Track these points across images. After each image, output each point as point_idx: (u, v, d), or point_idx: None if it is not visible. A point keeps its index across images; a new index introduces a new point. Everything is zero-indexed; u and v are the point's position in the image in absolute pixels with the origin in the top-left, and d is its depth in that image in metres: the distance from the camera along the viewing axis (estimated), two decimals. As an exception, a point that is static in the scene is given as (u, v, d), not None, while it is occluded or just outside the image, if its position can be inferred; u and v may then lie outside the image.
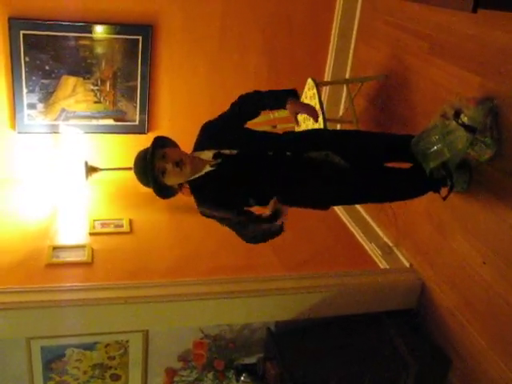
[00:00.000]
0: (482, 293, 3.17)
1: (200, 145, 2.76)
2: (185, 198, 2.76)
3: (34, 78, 4.17)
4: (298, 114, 2.80)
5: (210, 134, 2.78)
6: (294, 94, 2.82)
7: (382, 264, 3.98)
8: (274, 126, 4.15)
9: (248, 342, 3.73)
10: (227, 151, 2.67)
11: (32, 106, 4.29)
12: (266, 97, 2.85)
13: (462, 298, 3.34)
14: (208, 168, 2.65)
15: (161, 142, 2.65)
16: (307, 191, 2.83)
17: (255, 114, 2.92)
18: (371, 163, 3.00)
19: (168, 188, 2.65)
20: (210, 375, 3.68)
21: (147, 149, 2.59)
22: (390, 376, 3.45)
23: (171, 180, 2.60)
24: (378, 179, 3.00)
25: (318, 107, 3.67)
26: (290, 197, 2.70)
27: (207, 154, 2.67)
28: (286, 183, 2.76)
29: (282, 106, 2.80)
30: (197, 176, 2.66)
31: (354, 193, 2.98)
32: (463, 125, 2.88)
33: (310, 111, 2.76)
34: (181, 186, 2.69)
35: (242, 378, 3.56)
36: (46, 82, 4.24)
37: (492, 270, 3.07)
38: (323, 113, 3.66)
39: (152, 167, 2.52)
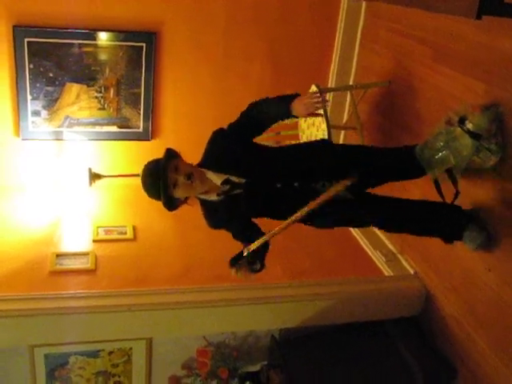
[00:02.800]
0: (487, 300, 3.15)
1: (209, 160, 2.69)
2: (189, 207, 2.74)
3: (38, 85, 4.18)
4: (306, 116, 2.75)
5: (218, 152, 2.69)
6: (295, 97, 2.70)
7: (387, 271, 3.96)
8: (278, 133, 4.14)
9: (252, 350, 3.72)
10: (235, 179, 2.62)
11: (36, 113, 4.30)
12: (272, 103, 2.74)
13: (467, 305, 3.31)
14: (215, 197, 2.63)
15: (172, 154, 2.61)
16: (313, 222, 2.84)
17: (263, 126, 2.81)
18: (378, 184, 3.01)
19: (176, 200, 2.61)
20: (214, 383, 3.67)
21: (159, 160, 2.55)
22: (394, 384, 3.44)
23: (181, 193, 2.56)
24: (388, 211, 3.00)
25: (322, 114, 3.66)
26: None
27: (215, 177, 2.62)
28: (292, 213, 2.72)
29: (286, 111, 2.68)
30: (204, 198, 2.66)
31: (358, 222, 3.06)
32: (468, 131, 2.87)
33: (314, 108, 2.66)
34: (186, 198, 2.67)
35: (246, 387, 3.55)
36: (50, 89, 4.24)
37: (497, 277, 3.05)
38: (327, 120, 3.65)
39: (165, 178, 2.48)
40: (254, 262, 2.62)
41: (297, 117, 2.75)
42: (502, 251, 3.01)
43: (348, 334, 3.62)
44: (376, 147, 3.13)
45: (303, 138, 4.04)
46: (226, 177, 2.59)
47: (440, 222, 3.07)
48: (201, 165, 2.67)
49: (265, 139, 4.19)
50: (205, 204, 2.69)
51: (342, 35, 4.57)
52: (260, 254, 2.68)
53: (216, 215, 2.71)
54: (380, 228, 3.38)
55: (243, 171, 2.62)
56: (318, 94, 2.66)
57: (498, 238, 3.02)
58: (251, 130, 2.78)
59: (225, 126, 2.77)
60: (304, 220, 2.74)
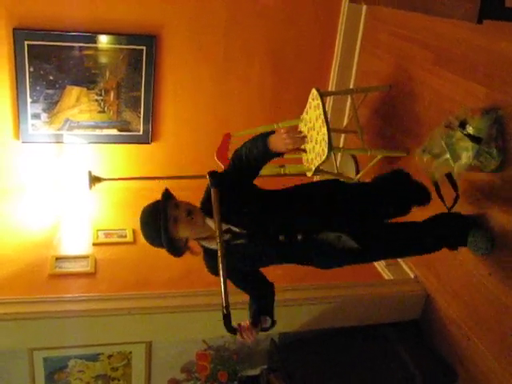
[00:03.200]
0: (488, 304, 3.14)
1: (207, 207, 2.42)
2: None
3: (38, 88, 4.18)
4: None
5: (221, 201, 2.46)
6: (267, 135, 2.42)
7: (387, 275, 3.95)
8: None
9: (252, 354, 3.71)
10: (237, 229, 2.47)
11: (36, 116, 4.30)
12: (251, 144, 2.45)
13: (467, 309, 3.31)
14: (215, 245, 2.41)
15: (170, 194, 2.47)
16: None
17: (252, 169, 2.54)
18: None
19: (178, 242, 2.43)
20: (214, 387, 3.67)
21: (157, 200, 2.41)
22: (395, 388, 3.44)
23: (182, 230, 2.39)
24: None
25: (322, 118, 3.66)
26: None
27: (214, 225, 2.40)
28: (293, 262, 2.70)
29: (266, 149, 2.38)
30: (205, 245, 2.54)
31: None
32: (468, 135, 2.87)
33: (293, 144, 2.34)
34: (187, 242, 2.49)
35: (246, 390, 3.55)
36: (50, 92, 4.24)
37: (498, 281, 3.05)
38: (327, 123, 3.65)
39: (165, 215, 2.33)
40: (259, 319, 2.51)
41: (282, 154, 2.46)
42: (503, 255, 3.01)
43: (348, 338, 3.62)
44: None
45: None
46: (226, 227, 2.43)
47: (446, 234, 3.04)
48: (200, 210, 2.49)
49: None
50: (206, 251, 2.56)
51: (342, 38, 4.57)
52: (267, 307, 2.60)
53: (214, 261, 2.45)
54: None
55: (242, 222, 2.47)
56: (297, 130, 2.51)
57: (498, 242, 3.02)
58: (244, 175, 2.54)
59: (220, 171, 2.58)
60: (305, 263, 2.70)
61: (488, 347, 3.16)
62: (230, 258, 2.33)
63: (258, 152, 2.40)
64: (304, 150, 2.53)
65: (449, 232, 3.05)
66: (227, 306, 2.27)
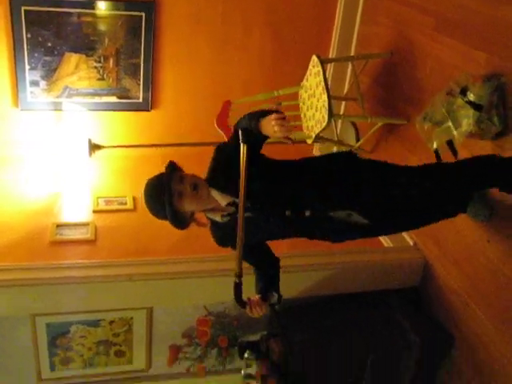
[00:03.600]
0: (485, 271, 3.17)
1: (212, 179, 2.41)
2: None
3: (36, 54, 4.14)
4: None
5: (221, 171, 2.41)
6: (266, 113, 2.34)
7: (386, 242, 3.98)
8: (279, 103, 4.11)
9: (252, 319, 3.73)
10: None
11: (35, 84, 4.27)
12: (248, 120, 2.36)
13: (465, 276, 3.34)
14: (219, 218, 2.43)
15: (175, 166, 2.39)
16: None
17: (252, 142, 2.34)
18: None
19: (182, 215, 2.37)
20: (214, 352, 3.71)
21: (161, 174, 2.34)
22: (394, 353, 3.47)
23: (187, 204, 2.33)
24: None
25: (322, 84, 3.64)
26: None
27: (220, 198, 2.39)
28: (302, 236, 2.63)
29: (258, 130, 2.29)
30: (211, 217, 2.48)
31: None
32: (469, 102, 2.86)
33: (280, 131, 2.24)
34: (193, 215, 2.43)
35: (246, 355, 3.58)
36: (48, 59, 4.21)
37: (496, 248, 3.06)
38: (328, 90, 3.63)
39: (169, 189, 2.26)
40: (266, 295, 2.46)
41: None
42: (502, 223, 3.02)
43: (347, 304, 3.64)
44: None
45: (303, 109, 4.01)
46: (231, 199, 2.37)
47: (450, 203, 2.90)
48: (205, 181, 2.42)
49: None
50: (212, 222, 2.50)
51: (343, 5, 4.51)
52: (273, 283, 2.55)
53: (223, 234, 2.50)
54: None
55: (248, 193, 2.30)
56: (284, 117, 2.28)
57: (497, 210, 3.03)
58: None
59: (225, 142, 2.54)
60: (315, 238, 2.62)
61: (485, 313, 3.19)
62: (235, 231, 2.25)
63: (252, 130, 2.29)
64: (291, 140, 2.38)
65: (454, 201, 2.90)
66: (240, 275, 2.20)
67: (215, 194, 2.38)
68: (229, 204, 2.37)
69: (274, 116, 2.24)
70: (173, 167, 2.36)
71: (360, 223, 2.53)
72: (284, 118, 2.26)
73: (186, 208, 2.34)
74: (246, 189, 2.13)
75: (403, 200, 2.63)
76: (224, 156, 2.40)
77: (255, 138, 2.26)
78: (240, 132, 2.17)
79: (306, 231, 2.57)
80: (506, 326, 3.04)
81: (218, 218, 2.43)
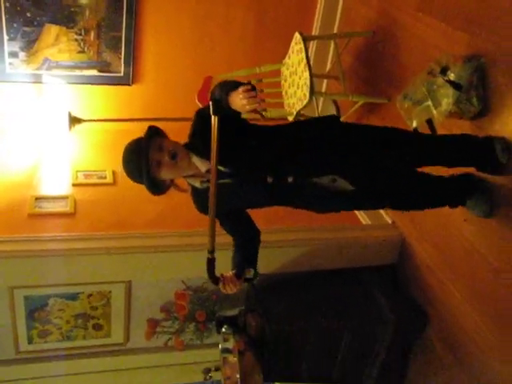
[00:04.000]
0: (461, 250, 3.21)
1: (192, 143, 2.37)
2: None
3: (15, 25, 4.07)
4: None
5: (200, 135, 2.31)
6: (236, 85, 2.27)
7: (365, 220, 4.01)
8: (260, 80, 4.10)
9: (230, 295, 3.75)
10: (222, 168, 2.29)
11: (14, 55, 4.20)
12: (219, 91, 2.29)
13: (441, 254, 3.39)
14: (198, 184, 2.40)
15: (155, 132, 2.35)
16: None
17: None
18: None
19: (160, 183, 2.36)
20: (192, 326, 3.73)
21: (140, 138, 2.29)
22: (369, 329, 3.52)
23: (166, 174, 2.31)
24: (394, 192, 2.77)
25: (304, 62, 3.64)
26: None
27: (199, 163, 2.35)
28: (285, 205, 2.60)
29: (226, 103, 2.23)
30: (191, 183, 2.44)
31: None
32: (449, 81, 2.88)
33: (249, 104, 2.19)
34: (172, 181, 2.42)
35: (223, 330, 3.60)
36: (27, 29, 4.13)
37: (472, 227, 3.11)
38: (309, 68, 3.63)
39: (146, 157, 2.22)
40: (242, 271, 2.39)
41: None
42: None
43: (325, 281, 3.68)
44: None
45: (285, 87, 4.01)
46: (209, 166, 2.24)
47: (449, 192, 2.97)
48: (186, 146, 2.38)
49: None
50: (193, 188, 2.46)
51: (327, -18, 4.50)
52: (250, 258, 2.47)
53: (203, 201, 2.38)
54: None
55: (228, 159, 2.27)
56: (250, 89, 2.20)
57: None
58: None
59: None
60: (299, 207, 2.59)
61: (460, 291, 3.25)
62: (217, 197, 2.21)
63: (224, 103, 2.24)
64: (261, 115, 2.29)
65: (453, 192, 2.97)
66: (213, 251, 2.18)
67: (195, 159, 2.35)
68: (208, 171, 2.31)
69: (241, 89, 2.18)
70: (152, 132, 2.32)
71: (345, 190, 2.49)
72: (252, 90, 2.20)
73: (163, 176, 2.32)
74: (217, 158, 2.09)
75: (388, 167, 2.63)
76: (202, 121, 2.31)
77: (225, 111, 2.18)
78: (211, 103, 2.10)
79: (289, 199, 2.52)
80: (480, 303, 3.10)
81: (197, 184, 2.41)
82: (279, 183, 2.39)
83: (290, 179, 2.39)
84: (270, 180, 2.38)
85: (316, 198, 2.51)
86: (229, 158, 2.28)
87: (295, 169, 2.40)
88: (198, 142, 2.33)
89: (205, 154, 2.28)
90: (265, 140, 2.44)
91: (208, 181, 2.32)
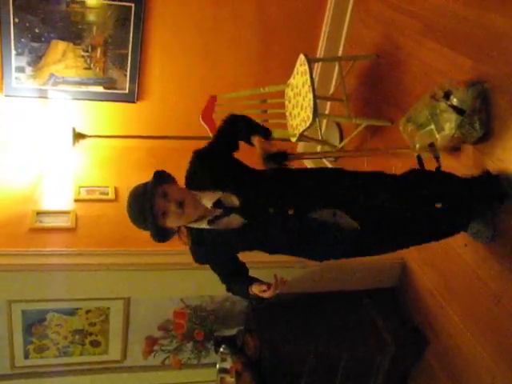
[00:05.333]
0: (462, 275, 3.21)
1: (196, 182, 2.36)
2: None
3: (23, 40, 4.11)
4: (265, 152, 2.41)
5: (205, 168, 2.38)
6: (265, 133, 2.46)
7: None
8: (264, 100, 4.13)
9: (228, 314, 3.76)
10: (229, 199, 2.30)
11: (20, 70, 4.24)
12: (242, 121, 2.50)
13: (442, 278, 3.38)
14: (205, 225, 2.32)
15: (161, 178, 2.26)
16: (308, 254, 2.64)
17: (233, 137, 2.50)
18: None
19: (167, 231, 2.30)
20: (190, 345, 3.72)
21: (145, 185, 2.21)
22: (368, 353, 3.50)
23: (172, 222, 2.24)
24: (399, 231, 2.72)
25: (309, 83, 3.66)
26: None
27: (205, 198, 2.30)
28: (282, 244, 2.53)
29: (249, 136, 2.44)
30: (193, 227, 2.36)
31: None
32: (452, 106, 2.89)
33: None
34: (179, 228, 2.35)
35: (221, 350, 3.59)
36: (35, 45, 4.18)
37: (473, 252, 3.10)
38: (313, 90, 3.65)
39: (151, 206, 2.15)
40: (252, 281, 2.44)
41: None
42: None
43: (324, 303, 3.67)
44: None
45: (289, 108, 4.03)
46: (217, 196, 2.29)
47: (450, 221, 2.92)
48: (190, 187, 2.36)
49: (251, 112, 4.19)
50: (191, 234, 2.38)
51: (333, 5, 4.53)
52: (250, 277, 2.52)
53: (201, 247, 2.42)
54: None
55: (238, 188, 2.32)
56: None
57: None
58: (226, 143, 2.48)
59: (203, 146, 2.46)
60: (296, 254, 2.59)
61: (459, 316, 3.24)
62: (218, 239, 2.32)
63: (245, 130, 2.45)
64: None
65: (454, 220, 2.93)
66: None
67: (203, 197, 2.30)
68: (215, 204, 2.28)
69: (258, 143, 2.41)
70: (158, 178, 2.23)
71: (347, 228, 2.45)
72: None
73: (170, 225, 2.25)
74: None
75: (389, 212, 2.61)
76: (202, 161, 2.38)
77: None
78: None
79: (291, 241, 2.45)
80: (479, 328, 3.09)
81: (204, 225, 2.32)
82: (280, 213, 2.36)
83: (291, 211, 2.37)
84: (271, 210, 2.35)
85: (315, 237, 2.44)
86: (239, 188, 2.32)
87: (295, 202, 2.38)
88: (198, 179, 2.35)
89: (210, 186, 2.31)
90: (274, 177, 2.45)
91: (217, 217, 2.30)
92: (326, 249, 2.52)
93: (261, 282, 2.39)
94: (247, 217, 2.33)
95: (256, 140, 2.42)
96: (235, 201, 2.31)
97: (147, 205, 2.14)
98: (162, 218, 2.19)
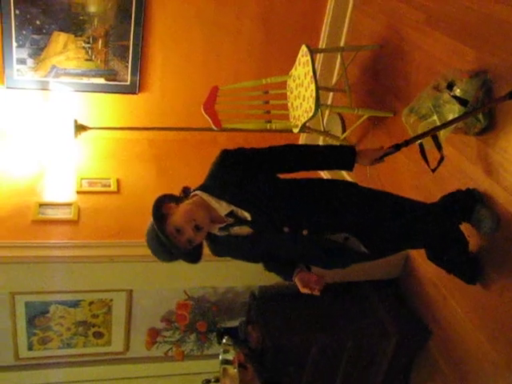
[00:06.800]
0: (464, 265, 3.20)
1: (213, 185, 2.34)
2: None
3: (24, 32, 4.10)
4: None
5: (225, 179, 2.34)
6: (352, 154, 2.48)
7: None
8: (266, 92, 4.12)
9: (231, 306, 3.76)
10: (240, 213, 2.29)
11: (22, 61, 4.23)
12: (322, 153, 2.52)
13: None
14: (217, 231, 2.33)
15: (160, 215, 2.21)
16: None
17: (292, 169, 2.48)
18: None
19: (196, 249, 2.30)
20: (193, 337, 3.73)
21: (154, 234, 2.19)
22: (371, 344, 3.51)
23: (200, 240, 2.27)
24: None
25: (311, 74, 3.65)
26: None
27: (218, 206, 2.28)
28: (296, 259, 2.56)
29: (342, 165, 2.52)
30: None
31: None
32: (455, 97, 2.88)
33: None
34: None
35: (224, 341, 3.59)
36: (36, 37, 4.16)
37: (475, 243, 3.09)
38: (316, 81, 3.63)
39: (175, 247, 2.17)
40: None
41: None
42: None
43: (327, 294, 3.64)
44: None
45: (291, 99, 4.02)
46: (230, 209, 2.28)
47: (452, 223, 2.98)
48: (203, 188, 2.34)
49: (254, 103, 4.18)
50: (209, 235, 2.37)
51: (335, -5, 4.52)
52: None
53: (217, 245, 2.44)
54: None
55: (251, 205, 2.29)
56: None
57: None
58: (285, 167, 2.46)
59: (236, 148, 2.39)
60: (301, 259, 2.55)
61: (462, 307, 3.24)
62: (232, 244, 2.35)
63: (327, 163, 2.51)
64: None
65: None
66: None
67: (214, 203, 2.28)
68: (228, 214, 2.28)
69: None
70: (159, 216, 2.20)
71: (357, 252, 2.49)
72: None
73: (198, 242, 2.27)
74: None
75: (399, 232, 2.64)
76: (226, 167, 2.34)
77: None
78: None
79: (299, 252, 2.47)
80: (482, 319, 3.09)
81: (215, 230, 2.33)
82: (295, 234, 2.35)
83: (305, 232, 2.36)
84: (286, 230, 2.33)
85: (327, 253, 2.46)
86: (252, 204, 2.29)
87: (310, 223, 2.37)
88: (217, 185, 2.32)
89: (226, 197, 2.28)
90: (286, 191, 2.40)
91: (228, 226, 2.30)
92: (335, 262, 2.58)
93: (305, 276, 2.43)
94: (258, 231, 2.33)
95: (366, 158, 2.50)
96: (247, 215, 2.30)
97: (171, 249, 2.18)
98: (191, 244, 2.22)
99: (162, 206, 2.25)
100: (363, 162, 2.49)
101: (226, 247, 2.43)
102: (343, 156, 2.48)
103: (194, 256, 2.31)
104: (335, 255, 2.47)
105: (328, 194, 2.48)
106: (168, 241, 2.15)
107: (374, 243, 2.51)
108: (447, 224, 2.91)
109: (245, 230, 2.33)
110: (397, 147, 2.55)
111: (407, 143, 2.62)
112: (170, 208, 2.25)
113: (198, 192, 2.32)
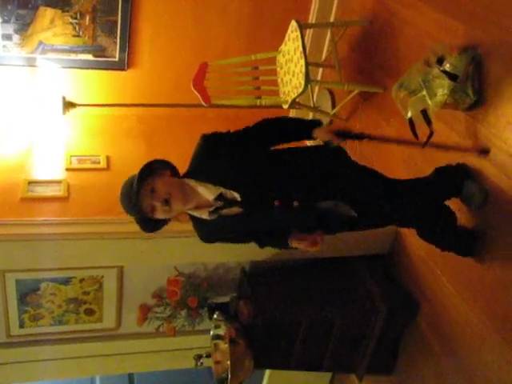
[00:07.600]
0: (453, 240, 3.22)
1: (198, 169, 2.36)
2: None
3: (9, 7, 4.02)
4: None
5: (210, 158, 2.35)
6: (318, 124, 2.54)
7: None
8: (256, 67, 4.10)
9: (222, 281, 3.78)
10: (229, 194, 2.31)
11: (7, 37, 4.16)
12: (291, 123, 2.61)
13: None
14: (206, 215, 2.33)
15: (148, 171, 2.24)
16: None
17: (276, 140, 2.50)
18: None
19: (157, 222, 2.33)
20: (184, 312, 3.74)
21: (133, 180, 2.20)
22: (360, 318, 3.54)
23: (161, 216, 2.26)
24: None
25: (300, 50, 3.63)
26: None
27: (207, 191, 2.31)
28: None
29: (306, 135, 2.51)
30: (194, 215, 2.38)
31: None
32: (445, 72, 2.87)
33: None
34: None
35: (215, 316, 3.61)
36: (22, 12, 4.09)
37: (465, 217, 3.11)
38: (305, 56, 3.61)
39: (138, 205, 2.17)
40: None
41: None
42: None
43: (317, 269, 3.70)
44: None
45: (281, 74, 4.00)
46: (219, 191, 2.30)
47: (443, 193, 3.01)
48: (188, 174, 2.36)
49: (243, 79, 4.16)
50: (194, 219, 2.40)
51: (324, -30, 4.48)
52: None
53: (205, 230, 2.46)
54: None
55: (239, 184, 2.32)
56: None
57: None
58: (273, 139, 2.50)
59: (213, 131, 2.40)
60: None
61: (451, 281, 3.26)
62: (222, 227, 2.37)
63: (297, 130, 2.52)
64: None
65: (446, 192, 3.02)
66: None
67: (201, 189, 2.30)
68: (217, 198, 2.30)
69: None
70: (144, 173, 2.23)
71: (347, 215, 2.55)
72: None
73: (159, 217, 2.27)
74: None
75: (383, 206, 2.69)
76: (209, 146, 2.36)
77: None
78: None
79: (294, 223, 2.50)
80: (470, 293, 3.12)
81: (204, 215, 2.34)
82: (286, 207, 2.38)
83: (296, 203, 2.39)
84: (276, 204, 2.36)
85: (318, 221, 2.50)
86: (241, 182, 2.32)
87: (300, 194, 2.41)
88: (201, 169, 2.33)
89: (212, 179, 2.29)
90: (274, 165, 2.43)
91: (218, 209, 2.32)
92: (326, 229, 2.57)
93: (300, 235, 2.45)
94: (249, 209, 2.36)
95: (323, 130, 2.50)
96: (236, 195, 2.32)
97: (134, 205, 2.18)
98: (151, 213, 2.22)
99: (160, 168, 2.30)
100: (319, 136, 2.49)
101: (216, 230, 2.44)
102: (306, 127, 2.52)
103: (147, 225, 2.32)
104: (326, 221, 2.50)
105: (316, 161, 2.52)
106: (136, 195, 2.15)
107: (362, 207, 2.58)
108: (435, 197, 2.95)
109: (235, 210, 2.35)
110: (359, 136, 2.57)
111: (370, 138, 2.68)
112: (164, 173, 2.29)
113: (184, 180, 2.33)
